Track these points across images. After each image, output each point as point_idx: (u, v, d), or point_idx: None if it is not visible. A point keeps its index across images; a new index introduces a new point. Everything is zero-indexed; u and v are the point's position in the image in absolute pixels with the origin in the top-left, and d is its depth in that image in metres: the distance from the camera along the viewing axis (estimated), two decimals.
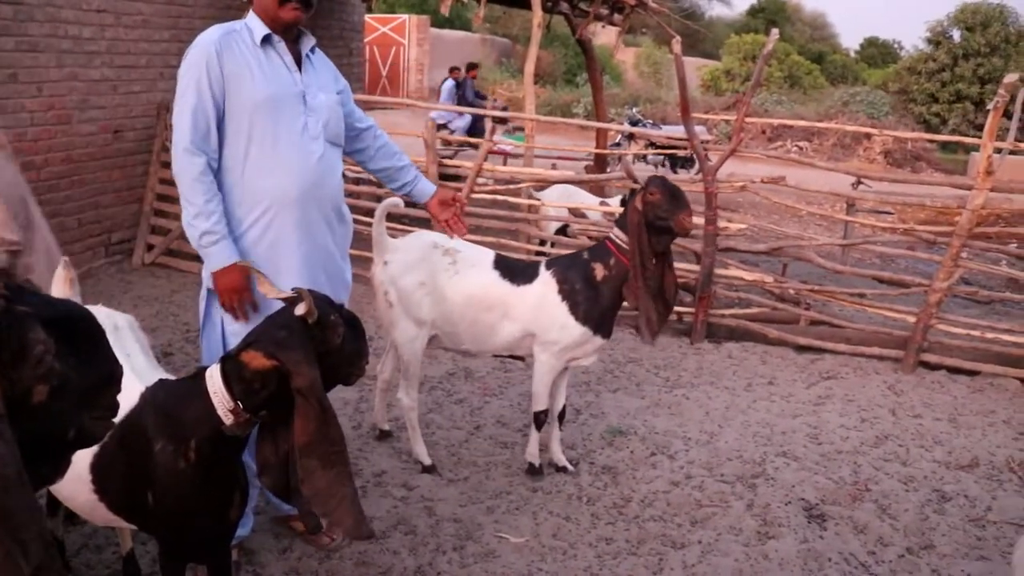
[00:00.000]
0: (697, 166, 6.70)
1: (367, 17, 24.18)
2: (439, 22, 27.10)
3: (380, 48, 25.73)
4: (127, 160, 7.67)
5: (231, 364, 2.31)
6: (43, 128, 6.83)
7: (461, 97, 16.69)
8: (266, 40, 3.01)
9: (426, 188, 3.61)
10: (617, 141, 16.02)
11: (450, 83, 16.75)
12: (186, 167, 2.92)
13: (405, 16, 25.94)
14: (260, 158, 2.99)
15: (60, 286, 2.91)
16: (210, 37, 2.96)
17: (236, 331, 2.98)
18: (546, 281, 3.97)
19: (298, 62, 3.10)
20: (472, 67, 17.80)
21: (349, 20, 11.55)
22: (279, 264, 3.00)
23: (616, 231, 3.93)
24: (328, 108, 3.14)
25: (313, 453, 2.31)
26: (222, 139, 2.99)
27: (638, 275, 3.79)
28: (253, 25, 3.02)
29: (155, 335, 5.76)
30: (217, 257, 2.95)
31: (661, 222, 3.77)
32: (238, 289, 2.97)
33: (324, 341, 2.32)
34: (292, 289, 2.41)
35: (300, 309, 2.30)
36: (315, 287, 2.65)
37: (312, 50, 3.18)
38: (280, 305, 2.42)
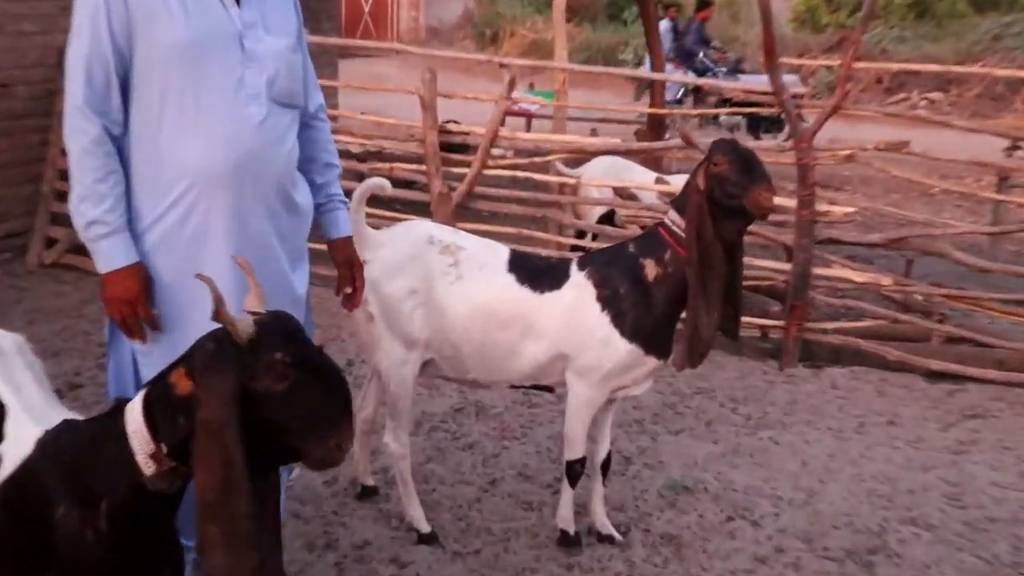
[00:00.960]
0: (787, 129, 6.70)
1: None
2: None
3: None
4: (17, 125, 7.74)
5: (158, 391, 2.29)
6: None
7: (679, 48, 16.44)
8: None
9: (337, 225, 3.54)
10: (678, 97, 16.04)
11: (666, 24, 16.45)
12: (75, 134, 2.91)
13: None
14: (179, 123, 2.95)
15: None
16: None
17: (150, 356, 3.00)
18: (580, 285, 3.97)
19: None
20: (705, 4, 17.47)
21: None
22: (202, 264, 2.87)
23: (672, 215, 3.93)
24: (276, 56, 3.09)
25: (215, 519, 2.23)
26: (129, 97, 2.97)
27: (697, 274, 3.79)
28: None
29: (58, 360, 5.81)
30: (107, 256, 2.93)
31: (731, 201, 3.77)
32: (130, 300, 2.95)
33: (254, 377, 2.24)
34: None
35: (216, 316, 2.24)
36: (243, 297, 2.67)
37: None
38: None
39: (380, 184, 3.96)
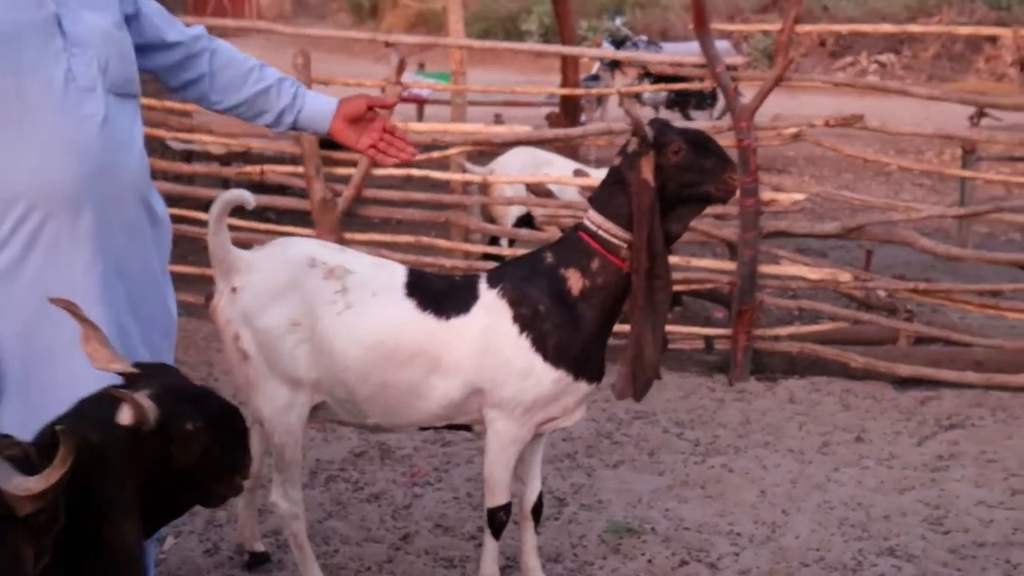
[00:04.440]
0: (721, 105, 6.74)
1: None
2: None
3: None
4: None
5: None
6: None
7: None
8: None
9: (320, 106, 3.48)
10: (594, 73, 16.12)
11: None
12: None
13: None
14: (2, 134, 2.83)
15: None
16: None
17: None
18: (492, 305, 3.89)
19: None
20: None
21: None
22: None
23: (592, 215, 3.88)
24: (104, 36, 2.98)
25: None
26: None
27: (645, 288, 3.77)
28: None
29: None
30: None
31: (689, 191, 3.78)
32: None
33: (167, 459, 2.25)
34: (111, 388, 2.30)
35: (124, 417, 2.20)
36: (123, 334, 2.60)
37: None
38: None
39: (239, 197, 3.86)
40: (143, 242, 3.11)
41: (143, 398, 2.21)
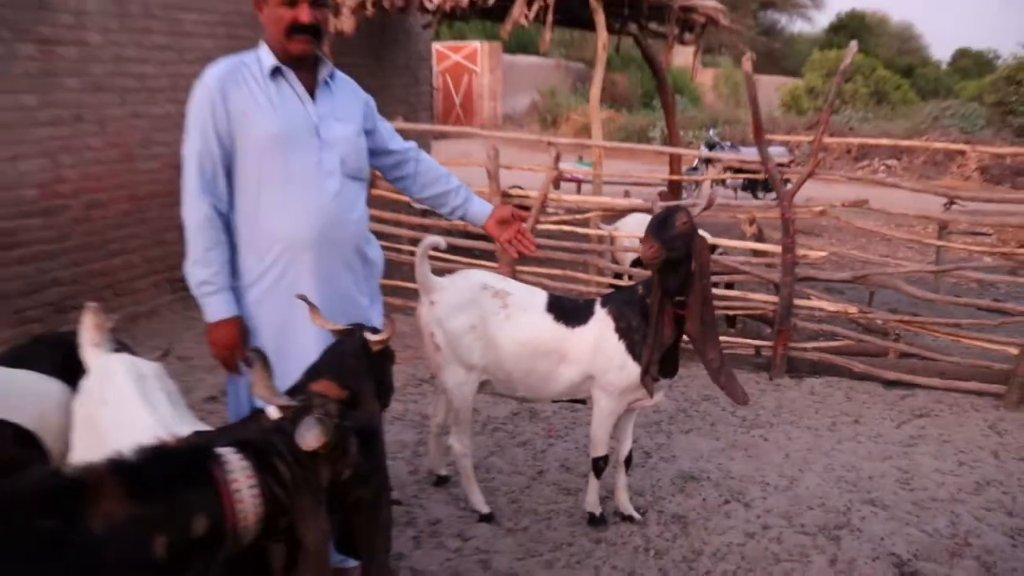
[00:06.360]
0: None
1: (438, 45, 24.52)
2: (511, 48, 27.20)
3: (453, 76, 25.98)
4: None
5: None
6: (107, 166, 6.93)
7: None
8: (276, 71, 2.86)
9: (480, 209, 3.36)
10: (695, 165, 15.79)
11: None
12: (191, 213, 2.82)
13: (477, 43, 26.09)
14: (272, 199, 2.85)
15: (87, 332, 2.84)
16: (214, 72, 2.82)
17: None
18: (602, 320, 3.80)
19: (314, 90, 2.93)
20: None
21: (415, 49, 11.56)
22: (295, 314, 2.83)
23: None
24: (345, 141, 2.96)
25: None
26: (234, 181, 2.87)
27: (695, 323, 3.58)
28: (263, 56, 2.87)
29: (215, 373, 5.71)
30: (212, 309, 2.85)
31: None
32: (229, 345, 2.86)
33: (335, 474, 1.99)
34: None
35: (311, 440, 1.90)
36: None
37: (331, 76, 2.99)
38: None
39: (435, 242, 3.90)
40: (354, 276, 3.05)
41: (328, 422, 1.95)
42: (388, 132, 3.22)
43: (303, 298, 2.64)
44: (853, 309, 6.45)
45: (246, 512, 1.84)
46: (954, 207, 9.87)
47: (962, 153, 20.39)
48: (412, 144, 3.31)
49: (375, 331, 2.57)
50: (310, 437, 1.90)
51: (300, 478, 1.92)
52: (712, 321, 3.61)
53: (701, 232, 3.64)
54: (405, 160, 3.26)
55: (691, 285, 3.52)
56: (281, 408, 2.04)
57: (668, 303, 3.56)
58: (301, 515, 1.92)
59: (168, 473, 1.79)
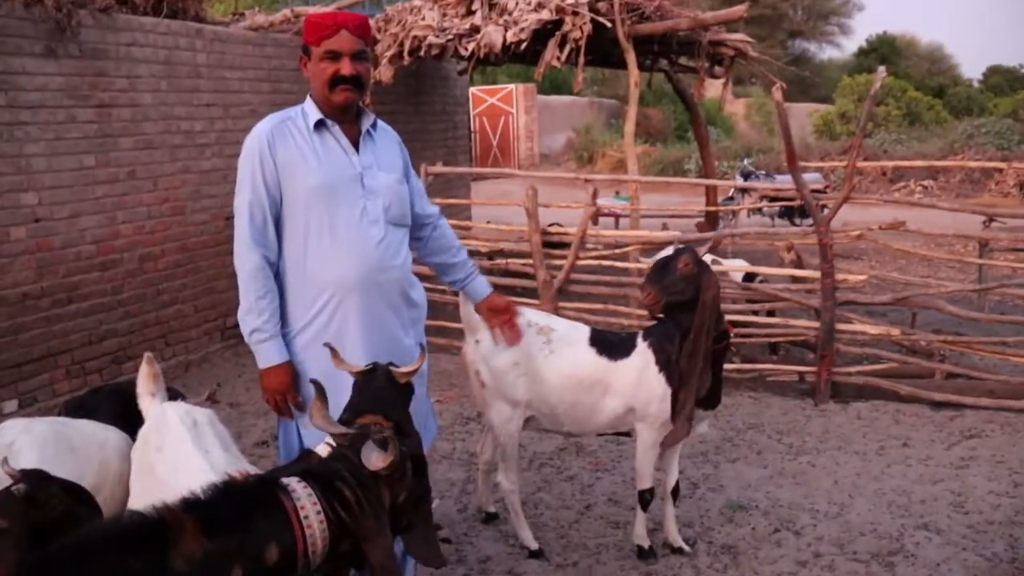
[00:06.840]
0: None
1: (475, 89, 24.78)
2: (545, 89, 27.37)
3: (489, 119, 26.16)
4: None
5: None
6: (159, 220, 7.08)
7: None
8: (320, 124, 2.96)
9: (479, 289, 3.52)
10: (730, 195, 15.72)
11: None
12: (243, 262, 2.91)
13: (512, 86, 26.31)
14: (319, 247, 2.93)
15: (144, 382, 2.92)
16: (263, 127, 2.95)
17: (309, 427, 2.90)
18: (643, 353, 3.80)
19: (358, 141, 3.03)
20: None
21: (451, 94, 11.71)
22: (343, 354, 2.84)
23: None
24: (388, 189, 3.04)
25: None
26: (282, 231, 2.96)
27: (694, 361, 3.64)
28: (308, 110, 2.99)
29: (265, 419, 5.77)
30: (264, 356, 2.92)
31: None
32: (280, 389, 2.93)
33: (393, 496, 2.06)
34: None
35: (377, 461, 1.99)
36: None
37: (374, 126, 3.09)
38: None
39: None
40: (399, 317, 3.09)
41: (391, 443, 2.03)
42: (417, 192, 3.29)
43: (328, 346, 2.68)
44: (896, 331, 6.34)
45: (315, 537, 1.90)
46: (994, 224, 9.72)
47: (999, 170, 20.12)
48: (436, 210, 3.40)
49: (395, 366, 2.61)
50: (375, 457, 1.97)
51: (365, 500, 1.97)
52: (705, 355, 3.62)
53: (712, 269, 3.76)
54: (425, 224, 3.34)
55: (694, 320, 3.59)
56: (337, 437, 2.09)
57: (702, 343, 3.58)
58: (368, 535, 1.97)
59: (239, 506, 1.85)
